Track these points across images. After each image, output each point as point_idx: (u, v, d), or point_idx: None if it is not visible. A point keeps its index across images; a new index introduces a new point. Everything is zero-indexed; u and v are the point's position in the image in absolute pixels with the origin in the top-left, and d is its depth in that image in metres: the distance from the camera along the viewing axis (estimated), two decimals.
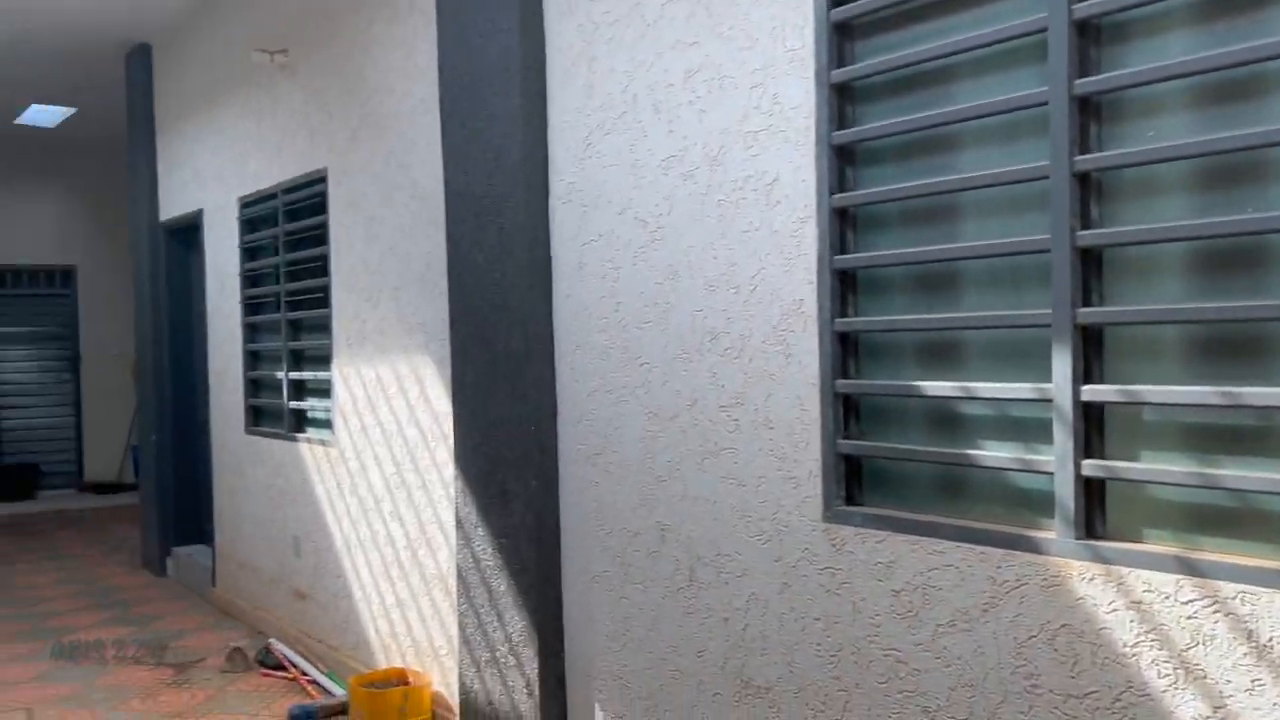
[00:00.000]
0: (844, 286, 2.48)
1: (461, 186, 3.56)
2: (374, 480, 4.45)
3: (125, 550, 7.74)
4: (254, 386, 5.68)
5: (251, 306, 5.64)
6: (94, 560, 7.53)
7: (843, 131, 2.45)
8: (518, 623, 3.40)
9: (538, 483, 3.31)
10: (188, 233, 6.59)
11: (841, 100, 2.47)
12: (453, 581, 3.84)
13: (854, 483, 2.49)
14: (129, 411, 10.31)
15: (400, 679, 4.13)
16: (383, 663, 4.40)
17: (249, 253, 5.65)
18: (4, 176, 10.08)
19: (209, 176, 6.07)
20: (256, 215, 5.53)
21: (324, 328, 4.89)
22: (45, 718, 4.32)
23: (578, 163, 3.22)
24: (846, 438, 2.48)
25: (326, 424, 4.94)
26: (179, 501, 6.85)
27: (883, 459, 2.45)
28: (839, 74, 2.44)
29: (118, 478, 10.28)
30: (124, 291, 10.28)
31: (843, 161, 2.47)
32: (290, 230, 5.15)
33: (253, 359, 5.67)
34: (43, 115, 8.75)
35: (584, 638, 3.27)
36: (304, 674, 4.74)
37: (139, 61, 6.88)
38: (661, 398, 2.95)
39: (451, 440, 3.73)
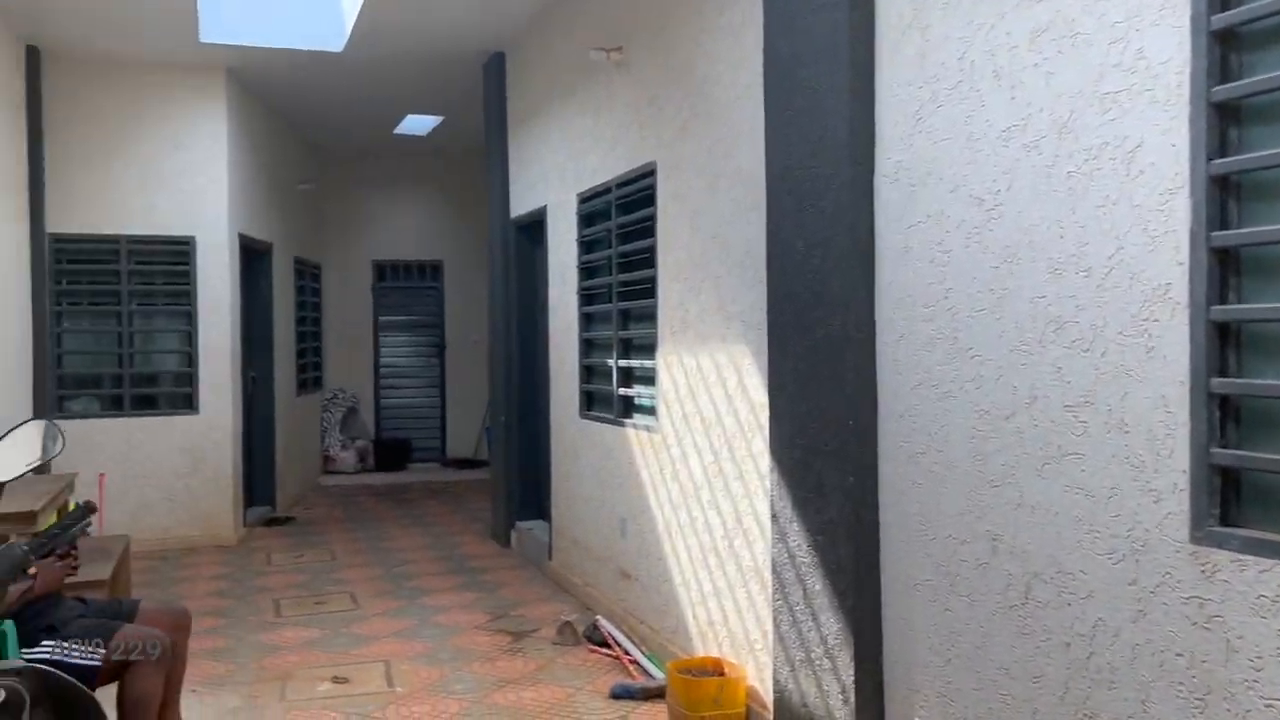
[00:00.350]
0: (1223, 268, 2.11)
1: (783, 169, 3.46)
2: (694, 468, 4.47)
3: (479, 521, 8.41)
4: (587, 373, 5.92)
5: (587, 297, 5.88)
6: (451, 528, 8.25)
7: (1226, 86, 2.07)
8: (833, 624, 3.25)
9: (855, 479, 3.14)
10: (534, 228, 7.01)
11: (1224, 49, 2.09)
12: (768, 575, 3.76)
13: (1231, 499, 2.11)
14: (485, 395, 11.23)
15: (716, 669, 4.12)
16: (700, 650, 4.42)
17: (585, 246, 5.89)
18: (387, 182, 11.30)
19: (552, 174, 6.41)
20: (592, 210, 5.76)
21: (650, 317, 4.98)
22: (400, 671, 4.75)
23: (906, 139, 3.00)
24: (1223, 446, 2.11)
25: (651, 411, 5.04)
26: (522, 479, 7.32)
27: (1271, 473, 2.05)
28: (1222, 19, 2.07)
29: (474, 454, 11.22)
30: (483, 284, 11.19)
31: (1224, 121, 2.10)
32: (622, 223, 5.30)
33: (587, 347, 5.91)
34: (417, 124, 9.71)
35: (904, 648, 3.07)
36: (627, 653, 4.87)
37: (494, 69, 7.41)
38: (995, 394, 2.68)
39: (767, 431, 3.65)
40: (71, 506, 6.29)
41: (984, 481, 2.72)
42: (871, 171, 3.14)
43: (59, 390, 7.34)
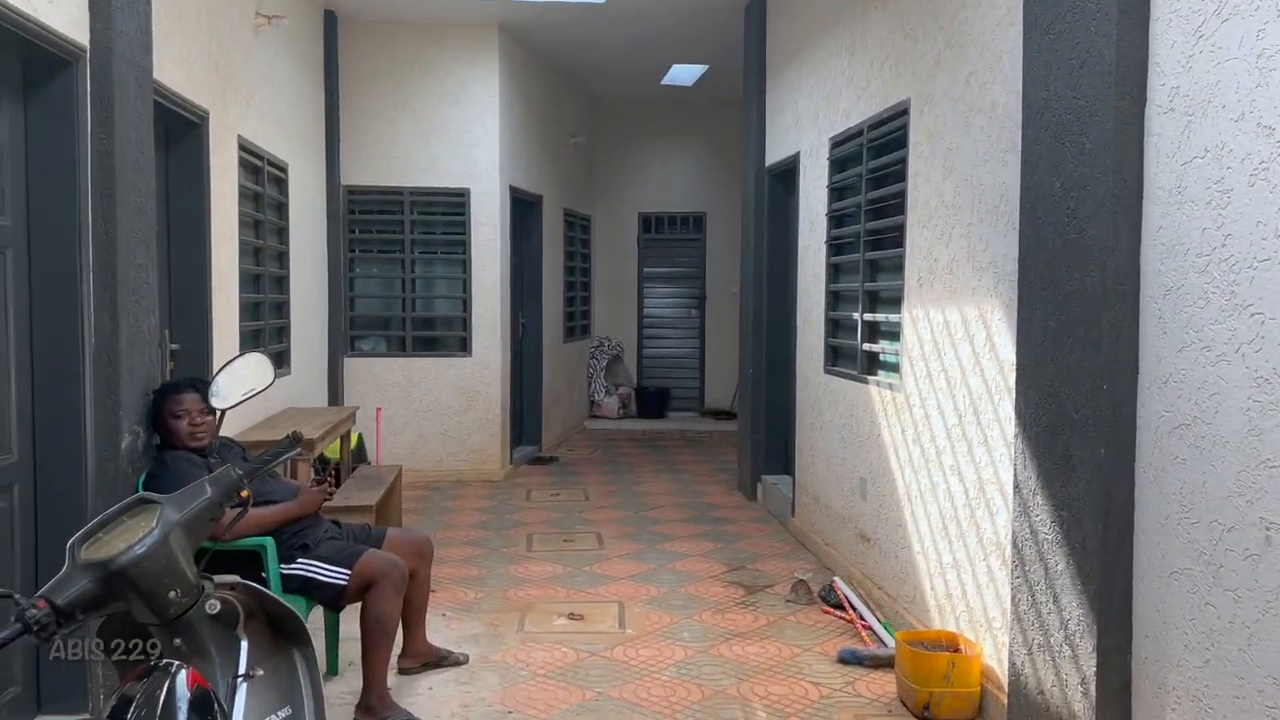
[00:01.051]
0: None
1: (1041, 101, 3.10)
2: (936, 430, 4.19)
3: (728, 472, 8.41)
4: (833, 327, 5.71)
5: (835, 247, 5.65)
6: (701, 478, 8.31)
7: None
8: (1074, 609, 2.93)
9: (1107, 451, 2.79)
10: (786, 176, 6.82)
11: None
12: (1009, 550, 3.46)
13: None
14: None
15: (951, 643, 3.87)
16: (936, 623, 4.17)
17: (835, 193, 5.65)
18: (655, 134, 11.43)
19: (805, 119, 6.19)
20: (844, 154, 5.50)
21: (897, 268, 4.70)
22: (633, 614, 4.83)
23: (1184, 61, 2.59)
24: None
25: (895, 368, 4.78)
26: (769, 433, 7.23)
27: None
28: None
29: (731, 406, 11.23)
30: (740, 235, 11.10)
31: None
32: (873, 168, 5.02)
33: (833, 299, 5.69)
34: (682, 74, 9.70)
35: (1157, 642, 2.71)
36: (860, 618, 4.69)
37: (755, 14, 7.23)
38: (1278, 360, 2.27)
39: (1014, 394, 3.33)
40: (354, 440, 6.88)
41: (1259, 461, 2.32)
42: (1140, 101, 2.74)
43: (350, 330, 8.03)
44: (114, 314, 3.43)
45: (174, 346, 4.63)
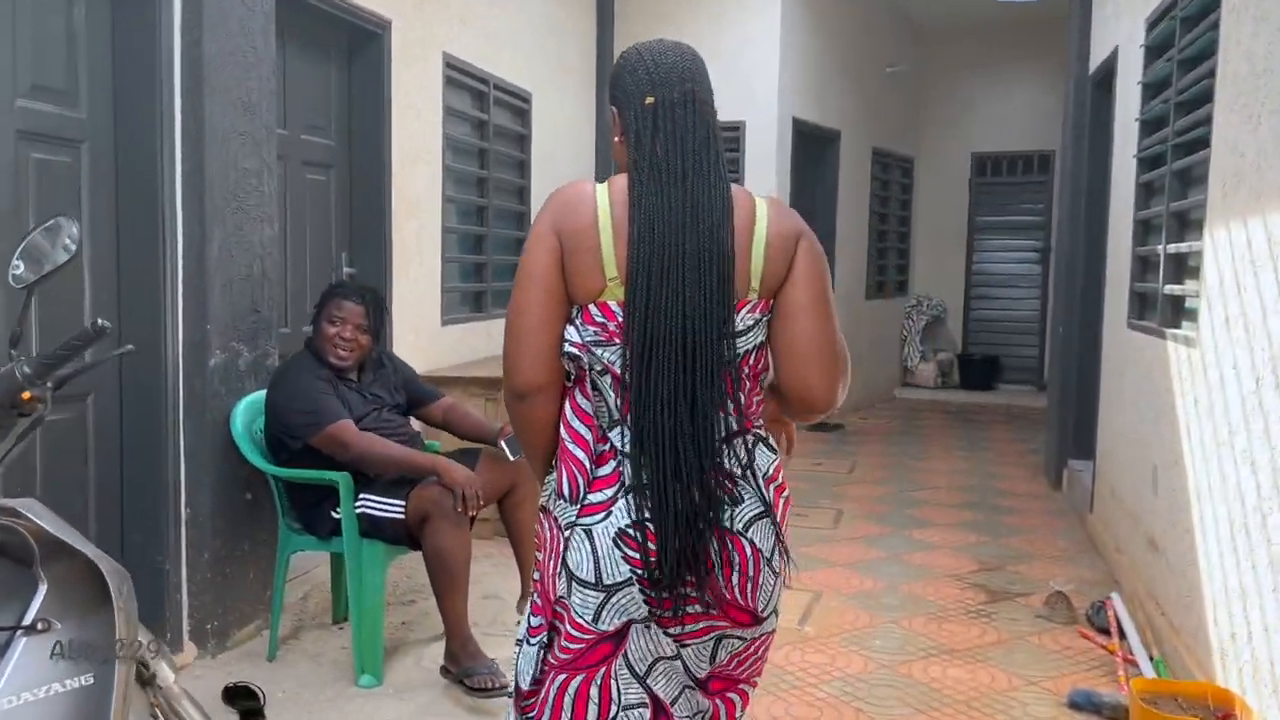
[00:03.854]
0: None
1: None
2: (1230, 398, 2.90)
3: (1038, 456, 7.04)
4: (1140, 266, 4.35)
5: (1146, 161, 4.28)
6: (1003, 459, 7.03)
7: None
8: None
9: None
10: (1103, 85, 5.38)
11: None
12: None
13: None
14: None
15: (1221, 707, 2.64)
16: (1218, 671, 2.91)
17: (1149, 90, 4.27)
18: (992, 61, 9.94)
19: (1123, 7, 4.78)
20: (1158, 38, 4.11)
21: (1202, 178, 3.36)
22: (824, 608, 3.96)
23: None
24: None
25: (1193, 316, 3.45)
26: (1080, 407, 5.85)
27: None
28: None
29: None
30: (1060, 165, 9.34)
31: None
32: (1184, 46, 3.66)
33: (1141, 230, 4.33)
34: None
35: None
36: (1127, 652, 3.47)
37: None
38: None
39: None
40: None
41: None
42: None
43: None
44: (202, 219, 3.20)
45: (349, 270, 4.43)
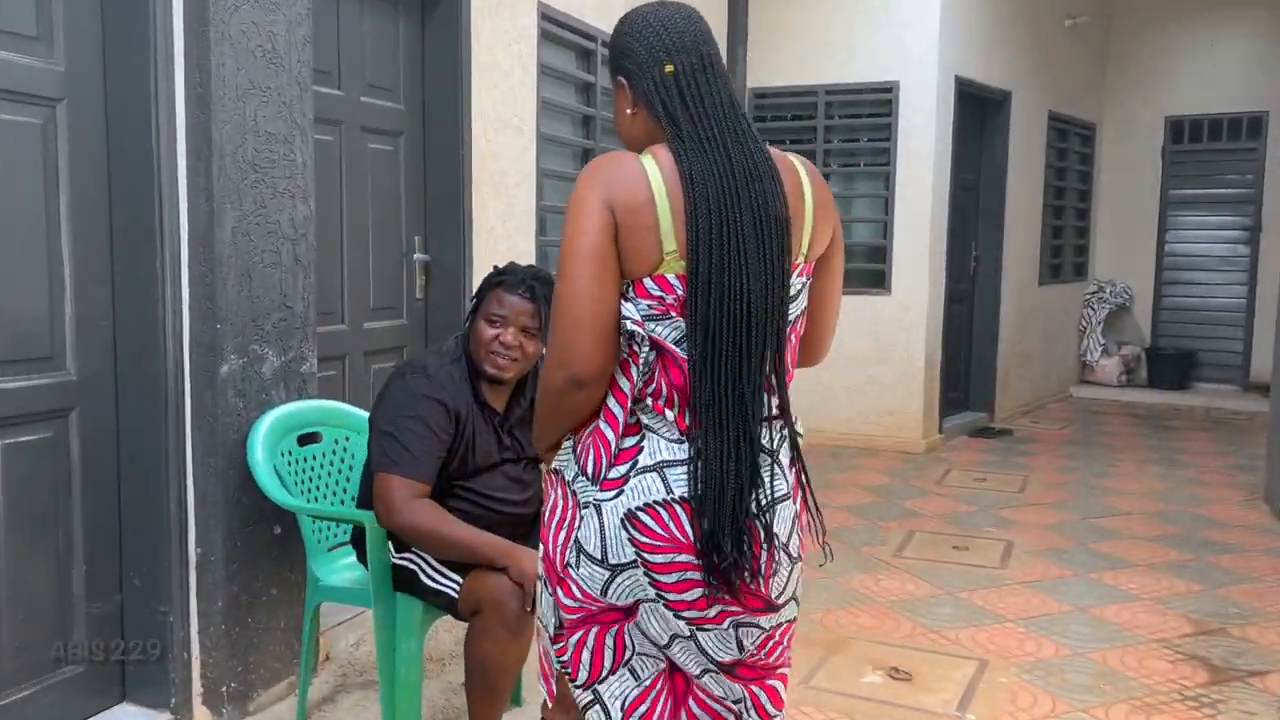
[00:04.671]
0: None
1: None
2: None
3: (1253, 474, 5.87)
4: None
5: None
6: (1207, 478, 5.89)
7: None
8: None
9: None
10: None
11: None
12: None
13: None
14: None
15: None
16: None
17: None
18: (1191, 11, 8.59)
19: None
20: None
21: None
22: (992, 684, 3.10)
23: None
24: None
25: None
26: None
27: None
28: None
29: None
30: None
31: None
32: None
33: None
34: None
35: None
36: None
37: None
38: None
39: None
40: None
41: None
42: None
43: None
44: (210, 194, 2.60)
45: (422, 257, 3.80)
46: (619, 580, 1.54)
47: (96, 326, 2.60)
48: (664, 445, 1.53)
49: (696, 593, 1.53)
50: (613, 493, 1.53)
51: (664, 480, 1.51)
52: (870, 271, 6.58)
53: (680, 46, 1.55)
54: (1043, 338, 8.15)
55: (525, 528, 2.56)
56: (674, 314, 1.50)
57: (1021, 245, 7.59)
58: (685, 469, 1.50)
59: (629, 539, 1.52)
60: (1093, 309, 8.81)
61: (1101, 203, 8.99)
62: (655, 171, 1.50)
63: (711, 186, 1.49)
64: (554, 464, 1.66)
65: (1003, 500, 5.29)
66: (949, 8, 6.29)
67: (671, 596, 1.54)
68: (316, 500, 2.84)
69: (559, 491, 1.63)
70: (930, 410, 6.55)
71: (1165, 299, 8.95)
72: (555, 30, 4.42)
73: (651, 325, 1.51)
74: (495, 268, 2.53)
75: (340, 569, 2.75)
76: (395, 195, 3.72)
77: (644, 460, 1.52)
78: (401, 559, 2.49)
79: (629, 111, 1.60)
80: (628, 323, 1.50)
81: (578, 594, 1.57)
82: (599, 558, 1.54)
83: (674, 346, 1.51)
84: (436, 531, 2.35)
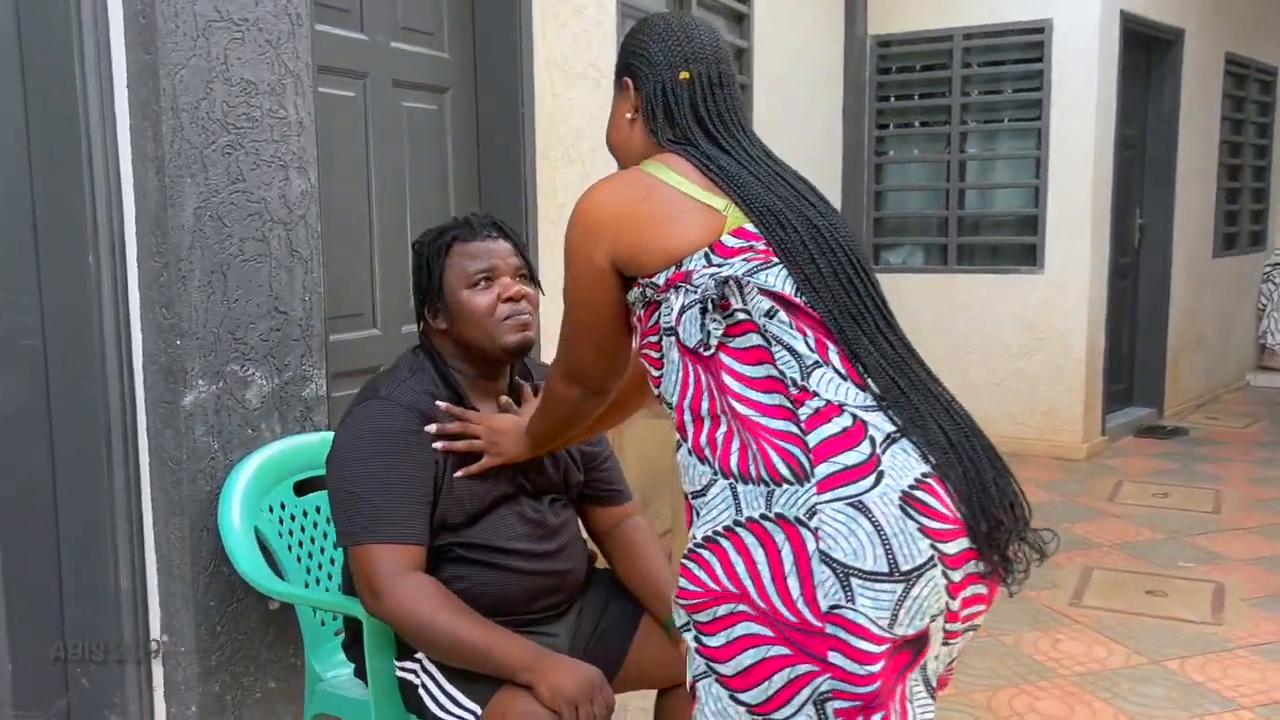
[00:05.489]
0: None
1: None
2: None
3: None
4: None
5: None
6: None
7: None
8: None
9: None
10: None
11: None
12: None
13: None
14: None
15: None
16: None
17: None
18: None
19: None
20: None
21: None
22: None
23: None
24: None
25: None
26: None
27: None
28: None
29: None
30: None
31: None
32: None
33: None
34: None
35: None
36: None
37: None
38: None
39: None
40: None
41: None
42: None
43: (875, 238, 5.95)
44: (161, 164, 1.92)
45: None
46: (915, 595, 1.21)
47: (18, 347, 1.94)
48: (878, 416, 1.27)
49: (973, 589, 1.28)
50: (870, 478, 1.23)
51: (917, 449, 1.26)
52: (1018, 246, 5.61)
53: (699, 56, 1.46)
54: (1217, 318, 7.02)
55: (566, 593, 1.84)
56: (775, 257, 1.34)
57: (1194, 210, 6.49)
58: (906, 436, 1.26)
59: (919, 529, 1.22)
60: (1274, 283, 7.61)
61: None
62: (653, 165, 1.43)
63: (751, 181, 1.40)
64: (715, 518, 1.32)
65: (1195, 524, 4.32)
66: None
67: (955, 602, 1.26)
68: (320, 567, 2.14)
69: (738, 537, 1.28)
70: (1092, 408, 5.56)
71: None
72: None
73: (763, 276, 1.33)
74: (421, 239, 1.88)
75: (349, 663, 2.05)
76: (440, 165, 3.00)
77: (876, 432, 1.26)
78: (404, 670, 1.77)
79: (628, 117, 1.51)
80: (713, 281, 1.32)
81: (870, 639, 1.19)
82: (884, 569, 1.20)
83: (797, 298, 1.32)
84: (431, 626, 1.64)
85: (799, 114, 5.04)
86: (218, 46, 2.00)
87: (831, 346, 1.31)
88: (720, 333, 1.32)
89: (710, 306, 1.31)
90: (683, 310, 1.33)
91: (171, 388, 1.97)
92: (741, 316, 1.31)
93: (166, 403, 1.98)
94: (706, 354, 1.33)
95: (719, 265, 1.33)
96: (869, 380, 1.30)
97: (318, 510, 2.17)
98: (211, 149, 2.00)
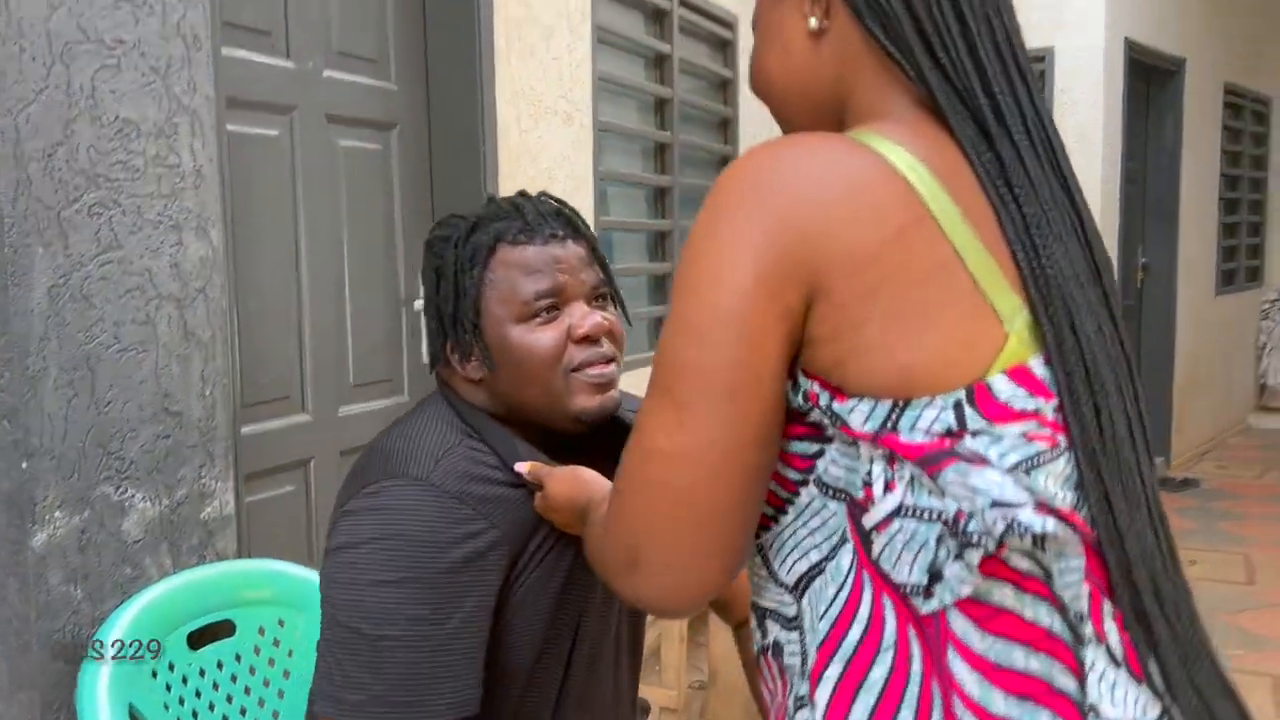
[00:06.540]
0: None
1: None
2: None
3: None
4: None
5: None
6: None
7: None
8: None
9: None
10: None
11: None
12: None
13: None
14: None
15: None
16: None
17: None
18: None
19: None
20: None
21: None
22: None
23: None
24: None
25: None
26: None
27: None
28: None
29: None
30: None
31: None
32: None
33: None
34: None
35: None
36: None
37: None
38: None
39: None
40: None
41: None
42: None
43: None
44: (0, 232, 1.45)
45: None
46: None
47: None
48: (1126, 691, 0.74)
49: None
50: None
51: None
52: None
53: None
54: (1220, 359, 6.70)
55: None
56: (1062, 441, 0.72)
57: (1195, 247, 6.18)
58: None
59: None
60: (1272, 320, 7.32)
61: (1279, 193, 7.48)
62: (914, 166, 0.72)
63: (1029, 187, 0.75)
64: None
65: (1232, 598, 3.92)
66: None
67: None
68: None
69: None
70: None
71: None
72: None
73: (1040, 478, 0.71)
74: (442, 232, 1.24)
75: None
76: (385, 214, 2.54)
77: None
78: None
79: (812, 23, 0.81)
80: (1023, 514, 0.68)
81: None
82: None
83: (1076, 513, 0.72)
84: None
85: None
86: (82, 76, 1.54)
87: (1106, 602, 0.75)
88: (968, 586, 0.71)
89: (963, 540, 0.70)
90: (895, 515, 0.72)
91: (16, 524, 1.49)
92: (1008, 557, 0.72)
93: (11, 543, 1.49)
94: (922, 606, 0.73)
95: (981, 435, 0.71)
96: (1153, 666, 0.75)
97: (219, 667, 1.69)
98: (73, 209, 1.53)
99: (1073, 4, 4.93)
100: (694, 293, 0.71)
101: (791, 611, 0.78)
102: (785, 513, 0.77)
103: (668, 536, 0.72)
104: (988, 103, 0.76)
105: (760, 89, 0.90)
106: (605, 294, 1.21)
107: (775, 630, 0.80)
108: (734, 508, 0.72)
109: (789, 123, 0.87)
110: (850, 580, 0.74)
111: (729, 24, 3.99)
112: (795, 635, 0.78)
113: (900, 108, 0.79)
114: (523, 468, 1.13)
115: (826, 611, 0.75)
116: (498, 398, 1.19)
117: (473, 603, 1.08)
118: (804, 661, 0.76)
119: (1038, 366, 0.73)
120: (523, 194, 1.24)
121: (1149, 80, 5.68)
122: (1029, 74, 0.81)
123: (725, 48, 4.07)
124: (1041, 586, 0.72)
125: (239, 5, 2.06)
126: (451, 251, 1.18)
